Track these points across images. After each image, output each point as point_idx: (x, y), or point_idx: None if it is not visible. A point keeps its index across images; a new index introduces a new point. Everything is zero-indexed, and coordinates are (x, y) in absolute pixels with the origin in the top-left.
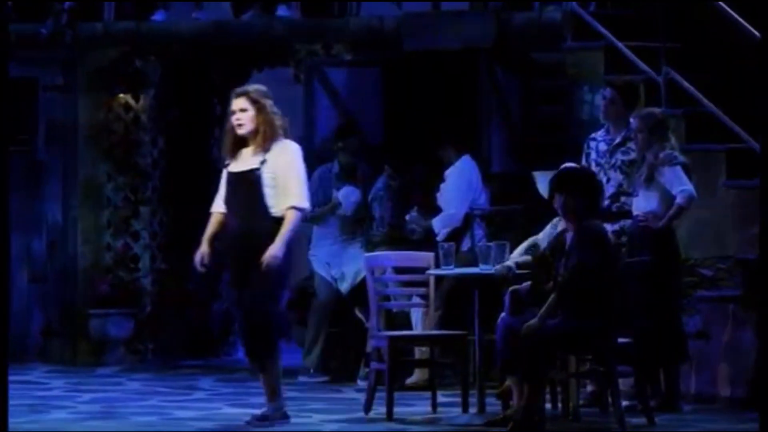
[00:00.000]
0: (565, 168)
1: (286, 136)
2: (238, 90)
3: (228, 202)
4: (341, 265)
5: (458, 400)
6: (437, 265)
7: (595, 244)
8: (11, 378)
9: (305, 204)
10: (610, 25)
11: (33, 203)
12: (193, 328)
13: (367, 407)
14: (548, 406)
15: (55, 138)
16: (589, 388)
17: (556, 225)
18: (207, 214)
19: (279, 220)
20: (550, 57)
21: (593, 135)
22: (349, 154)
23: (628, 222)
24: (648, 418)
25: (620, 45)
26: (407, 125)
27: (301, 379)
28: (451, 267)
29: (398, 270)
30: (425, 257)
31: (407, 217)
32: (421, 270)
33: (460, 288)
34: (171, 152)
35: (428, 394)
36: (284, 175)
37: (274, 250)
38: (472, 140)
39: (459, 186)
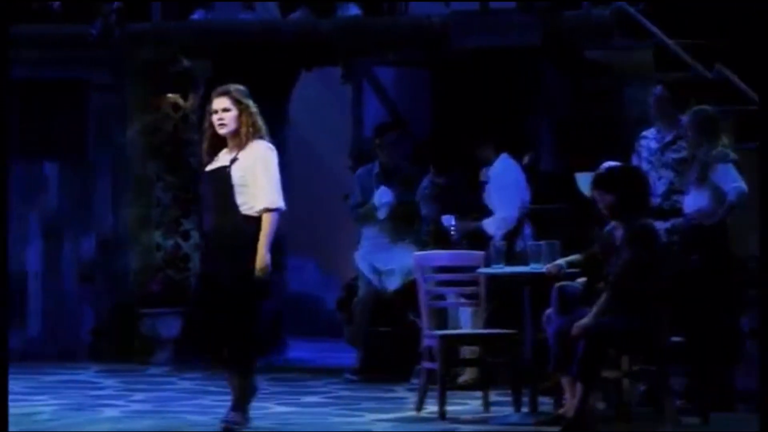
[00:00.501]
0: (611, 166)
1: (263, 138)
2: (220, 89)
3: (205, 200)
4: (387, 262)
5: (510, 399)
6: (487, 264)
7: (645, 243)
8: (63, 378)
9: (279, 203)
10: (660, 22)
11: (83, 203)
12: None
13: (419, 406)
14: (601, 405)
15: (104, 138)
16: (642, 387)
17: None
18: None
19: (248, 218)
20: (598, 55)
21: (644, 133)
22: (388, 151)
23: (679, 220)
24: (702, 418)
25: (670, 42)
26: (455, 124)
27: (347, 377)
28: (501, 266)
29: (448, 269)
30: (475, 256)
31: (443, 220)
32: (472, 269)
33: (506, 287)
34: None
35: (480, 393)
36: (253, 175)
37: (261, 260)
38: (520, 139)
39: (506, 187)
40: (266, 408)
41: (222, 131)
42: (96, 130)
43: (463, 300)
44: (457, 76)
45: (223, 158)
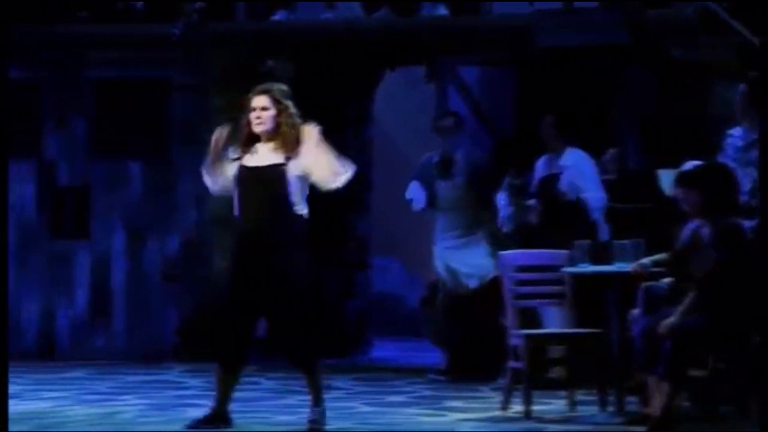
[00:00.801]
0: (697, 165)
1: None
2: (261, 87)
3: (241, 197)
4: (462, 262)
5: (596, 398)
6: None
7: (734, 242)
8: (147, 378)
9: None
10: (745, 20)
11: (167, 203)
12: (328, 327)
13: (504, 405)
14: (687, 404)
15: (187, 138)
16: (729, 387)
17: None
18: (338, 212)
19: (298, 217)
20: (683, 53)
21: (730, 131)
22: (443, 135)
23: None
24: None
25: (755, 40)
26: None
27: (430, 376)
28: (586, 265)
29: (533, 268)
30: (560, 255)
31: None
32: (556, 268)
33: (591, 286)
34: None
35: (565, 392)
36: (316, 162)
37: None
38: (603, 137)
39: (589, 170)
40: (352, 408)
41: (258, 129)
42: (179, 129)
43: (547, 299)
44: (541, 75)
45: (266, 155)
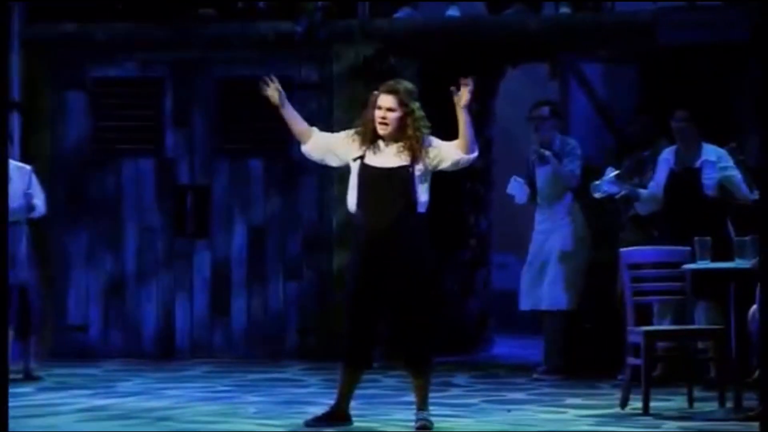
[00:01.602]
0: None
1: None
2: (388, 86)
3: (365, 197)
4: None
5: (714, 394)
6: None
7: None
8: (268, 375)
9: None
10: None
11: (289, 202)
12: (449, 324)
13: (623, 402)
14: None
15: None
16: None
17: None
18: (459, 211)
19: (422, 216)
20: None
21: None
22: (540, 124)
23: None
24: None
25: None
26: (662, 120)
27: (534, 376)
28: (707, 261)
29: (654, 265)
30: (680, 252)
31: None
32: (677, 265)
33: (712, 282)
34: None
35: (684, 389)
36: (445, 151)
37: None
38: (726, 134)
39: (732, 166)
40: (472, 405)
41: (382, 131)
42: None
43: (667, 296)
44: (665, 72)
45: (391, 157)
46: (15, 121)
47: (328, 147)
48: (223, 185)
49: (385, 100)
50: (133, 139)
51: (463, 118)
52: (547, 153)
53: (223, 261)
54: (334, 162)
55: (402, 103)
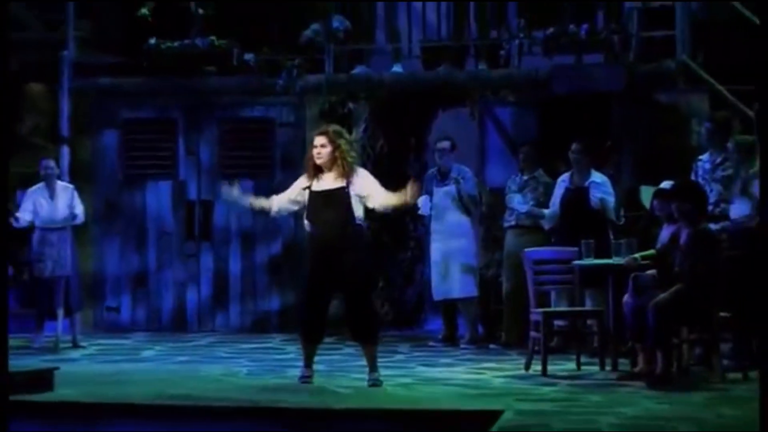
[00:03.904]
0: (672, 183)
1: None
2: (320, 129)
3: (314, 214)
4: (452, 256)
5: (597, 360)
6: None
7: (711, 247)
8: (256, 345)
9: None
10: (713, 72)
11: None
12: (394, 307)
13: (527, 366)
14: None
15: (288, 163)
16: (698, 351)
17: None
18: (400, 220)
19: (361, 227)
20: (667, 98)
21: (700, 157)
22: (441, 154)
23: (727, 223)
24: (743, 375)
25: (721, 88)
26: (557, 152)
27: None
28: (591, 259)
29: (551, 262)
30: (571, 252)
31: (515, 203)
32: (568, 261)
33: (594, 275)
34: (377, 173)
35: (573, 356)
36: (372, 190)
37: (403, 200)
38: (607, 162)
39: (609, 185)
40: (412, 367)
41: (318, 162)
42: (281, 156)
43: (560, 285)
44: (558, 114)
45: (332, 182)
46: (65, 152)
47: (287, 199)
48: (224, 202)
49: (318, 140)
50: (154, 166)
51: (397, 199)
52: (461, 183)
53: (223, 258)
54: (296, 206)
55: (331, 140)
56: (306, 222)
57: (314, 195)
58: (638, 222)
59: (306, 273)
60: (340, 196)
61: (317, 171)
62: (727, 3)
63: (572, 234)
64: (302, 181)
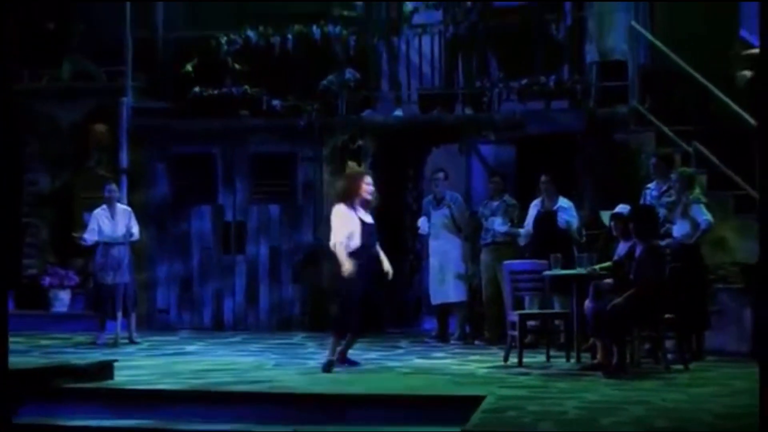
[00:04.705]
0: (626, 207)
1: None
2: (365, 170)
3: (365, 239)
4: (446, 265)
5: (563, 353)
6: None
7: (660, 261)
8: (281, 341)
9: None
10: (659, 115)
11: (294, 232)
12: (397, 308)
13: (506, 358)
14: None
15: (308, 190)
16: (647, 346)
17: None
18: (404, 234)
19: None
20: (621, 137)
21: (648, 186)
22: (436, 182)
23: (670, 240)
24: (684, 366)
25: (665, 129)
26: (532, 181)
27: (426, 340)
28: (558, 269)
29: (525, 272)
30: (542, 264)
31: (496, 225)
32: (540, 272)
33: (561, 283)
34: (382, 199)
35: (544, 350)
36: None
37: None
38: (570, 188)
39: (573, 210)
40: (410, 359)
41: (368, 197)
42: (303, 185)
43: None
44: (531, 150)
45: (366, 215)
46: (124, 181)
47: (352, 231)
48: (254, 221)
49: (370, 179)
50: (197, 193)
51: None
52: (453, 207)
53: (254, 268)
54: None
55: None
56: (356, 242)
57: (364, 225)
58: (597, 239)
59: (355, 280)
60: (375, 227)
61: (356, 203)
62: (669, 57)
63: (543, 249)
64: (349, 212)
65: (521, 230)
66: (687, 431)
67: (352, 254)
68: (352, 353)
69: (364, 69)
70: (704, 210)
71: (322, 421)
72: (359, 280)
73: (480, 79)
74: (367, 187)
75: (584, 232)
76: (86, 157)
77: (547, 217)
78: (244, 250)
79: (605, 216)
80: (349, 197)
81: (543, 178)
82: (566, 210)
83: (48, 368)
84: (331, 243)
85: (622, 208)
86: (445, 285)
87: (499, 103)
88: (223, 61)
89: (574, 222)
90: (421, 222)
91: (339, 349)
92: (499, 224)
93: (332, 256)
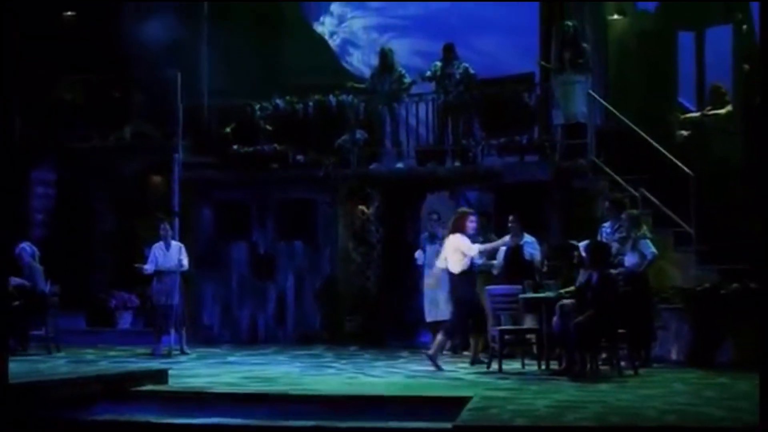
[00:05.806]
0: (593, 241)
1: None
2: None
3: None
4: (436, 293)
5: (535, 362)
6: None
7: (613, 286)
8: (304, 353)
9: None
10: (612, 165)
11: (314, 262)
12: (398, 324)
13: (488, 366)
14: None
15: (325, 230)
16: (604, 355)
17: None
18: (405, 269)
19: None
20: (581, 184)
21: (603, 225)
22: (431, 222)
23: (622, 269)
24: (634, 371)
25: (617, 177)
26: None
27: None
28: (530, 293)
29: (503, 295)
30: (516, 289)
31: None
32: (515, 295)
33: (533, 304)
34: (386, 236)
35: (519, 359)
36: None
37: None
38: (539, 227)
39: (537, 245)
40: (409, 367)
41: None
42: (322, 225)
43: (509, 311)
44: (507, 196)
45: None
46: (176, 221)
47: (472, 247)
48: (282, 254)
49: (474, 218)
50: (235, 232)
51: None
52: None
53: (282, 293)
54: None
55: None
56: (466, 261)
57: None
58: (561, 269)
59: (469, 301)
60: None
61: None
62: (620, 119)
63: (512, 277)
64: (466, 239)
65: (494, 262)
66: (636, 425)
67: (467, 270)
68: (354, 362)
69: (371, 130)
70: (650, 244)
71: (342, 418)
72: (473, 292)
73: (466, 138)
74: (471, 224)
75: (546, 263)
76: (145, 202)
77: (514, 251)
78: (273, 278)
79: (580, 245)
80: (461, 229)
81: (510, 218)
82: (530, 244)
83: (116, 374)
84: (456, 264)
85: (583, 244)
86: (437, 306)
87: (482, 157)
88: (257, 123)
89: (537, 254)
90: (418, 254)
91: (436, 348)
92: (477, 258)
93: (452, 276)
